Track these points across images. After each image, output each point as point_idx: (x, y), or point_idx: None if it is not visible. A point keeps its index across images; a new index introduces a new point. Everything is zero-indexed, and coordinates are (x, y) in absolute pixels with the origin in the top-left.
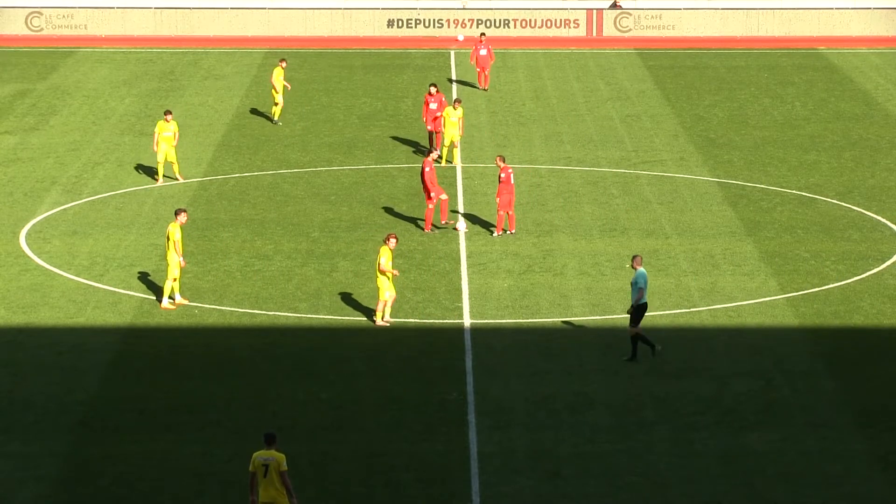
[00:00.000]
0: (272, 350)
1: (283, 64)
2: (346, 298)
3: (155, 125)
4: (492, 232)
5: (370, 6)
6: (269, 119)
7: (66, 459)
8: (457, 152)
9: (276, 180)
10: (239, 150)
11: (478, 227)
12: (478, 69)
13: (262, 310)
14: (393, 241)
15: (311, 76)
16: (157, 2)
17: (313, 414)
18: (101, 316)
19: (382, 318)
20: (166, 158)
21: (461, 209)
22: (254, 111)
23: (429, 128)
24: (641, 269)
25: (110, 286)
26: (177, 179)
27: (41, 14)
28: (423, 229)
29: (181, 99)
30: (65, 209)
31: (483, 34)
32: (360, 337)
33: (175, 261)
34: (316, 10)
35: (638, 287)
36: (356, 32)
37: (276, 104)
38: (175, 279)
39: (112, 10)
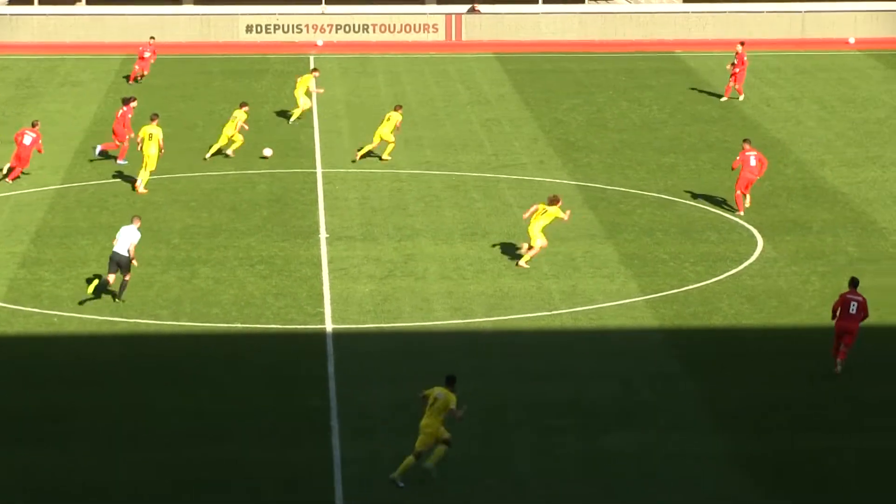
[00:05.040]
0: (134, 358)
1: (316, 73)
2: (208, 305)
3: (14, 132)
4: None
5: (229, 12)
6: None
7: None
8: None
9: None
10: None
11: (337, 233)
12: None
13: (122, 317)
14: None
15: (170, 82)
16: (12, 9)
17: (176, 422)
18: None
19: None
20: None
21: (321, 214)
22: (111, 118)
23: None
24: None
25: None
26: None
27: None
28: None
29: (38, 106)
30: None
31: (742, 43)
32: (222, 344)
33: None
34: (174, 17)
35: None
36: (215, 38)
37: (299, 107)
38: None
39: None
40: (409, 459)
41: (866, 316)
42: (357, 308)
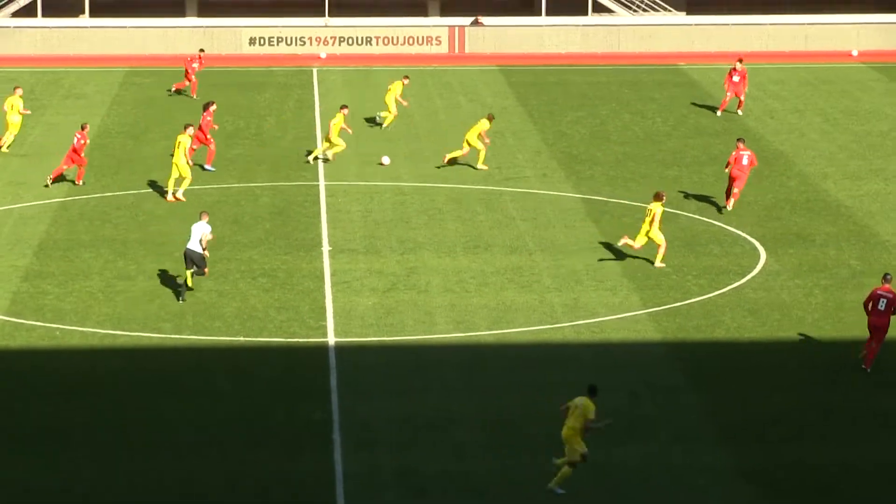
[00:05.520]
0: (135, 372)
1: (406, 81)
2: (210, 318)
3: (21, 144)
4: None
5: (232, 24)
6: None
7: None
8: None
9: (139, 200)
10: (101, 169)
11: (340, 245)
12: (730, 94)
13: (124, 331)
14: (662, 198)
15: (173, 94)
16: (15, 21)
17: (177, 435)
18: None
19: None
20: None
21: (324, 226)
22: (115, 130)
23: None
24: None
25: None
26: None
27: None
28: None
29: (42, 118)
30: None
31: (741, 59)
32: (225, 357)
33: (183, 163)
34: (177, 29)
35: None
36: (218, 50)
37: (391, 113)
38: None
39: None
40: (567, 470)
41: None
42: (359, 321)
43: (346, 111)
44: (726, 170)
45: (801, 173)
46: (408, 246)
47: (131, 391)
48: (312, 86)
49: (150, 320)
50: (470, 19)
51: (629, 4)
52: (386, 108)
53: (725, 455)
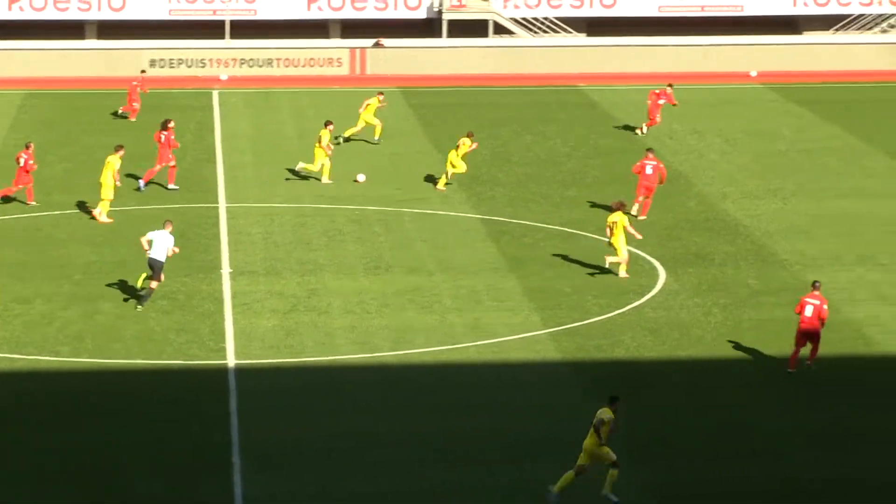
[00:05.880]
0: (33, 396)
1: (381, 97)
2: (110, 341)
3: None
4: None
5: (132, 47)
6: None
7: None
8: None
9: (38, 223)
10: None
11: (240, 268)
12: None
13: (21, 354)
14: (622, 207)
15: (73, 117)
16: None
17: (76, 459)
18: None
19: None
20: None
21: (224, 248)
22: (14, 153)
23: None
24: None
25: None
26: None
27: None
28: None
29: None
30: None
31: (671, 84)
32: (124, 380)
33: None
34: (77, 51)
35: None
36: (118, 72)
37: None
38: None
39: None
40: (569, 475)
41: (823, 317)
42: (260, 343)
43: (331, 127)
44: (635, 173)
45: (700, 193)
46: (308, 267)
47: (28, 415)
48: (213, 108)
49: (48, 343)
50: (371, 41)
51: (530, 26)
52: (363, 124)
53: (630, 472)
